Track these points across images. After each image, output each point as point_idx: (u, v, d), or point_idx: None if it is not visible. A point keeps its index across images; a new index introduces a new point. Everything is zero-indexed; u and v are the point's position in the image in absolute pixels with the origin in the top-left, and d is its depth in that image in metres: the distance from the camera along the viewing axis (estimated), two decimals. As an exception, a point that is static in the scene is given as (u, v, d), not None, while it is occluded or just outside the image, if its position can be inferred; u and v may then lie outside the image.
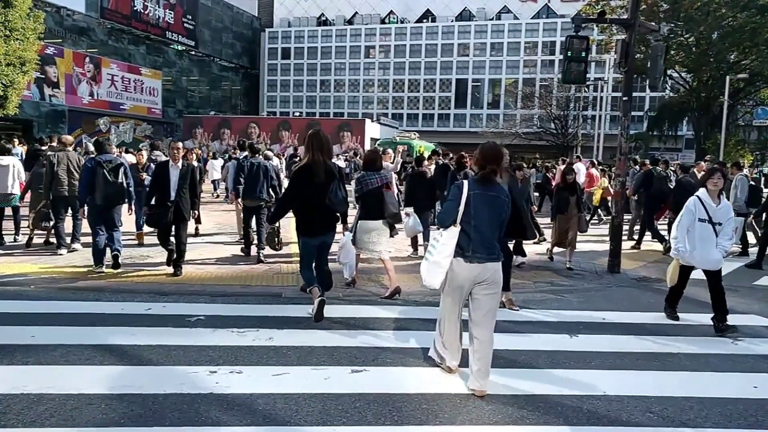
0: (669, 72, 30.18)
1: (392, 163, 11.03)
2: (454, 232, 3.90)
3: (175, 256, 7.43)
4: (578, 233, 8.83)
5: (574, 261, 8.89)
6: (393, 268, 6.70)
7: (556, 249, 9.16)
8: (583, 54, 9.03)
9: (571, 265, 8.75)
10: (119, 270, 7.36)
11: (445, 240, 3.94)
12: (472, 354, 3.91)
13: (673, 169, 14.42)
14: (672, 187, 11.26)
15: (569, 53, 9.00)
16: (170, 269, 7.38)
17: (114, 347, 4.49)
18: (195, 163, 10.66)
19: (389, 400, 3.66)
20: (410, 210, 9.29)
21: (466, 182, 3.98)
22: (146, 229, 8.95)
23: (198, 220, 10.27)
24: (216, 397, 3.61)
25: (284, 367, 4.19)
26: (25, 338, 4.65)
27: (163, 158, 9.36)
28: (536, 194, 16.24)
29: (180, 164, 7.30)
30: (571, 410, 3.60)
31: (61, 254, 8.35)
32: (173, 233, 7.43)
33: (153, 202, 7.39)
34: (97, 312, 5.57)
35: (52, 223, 8.56)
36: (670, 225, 11.83)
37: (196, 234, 10.50)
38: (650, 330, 5.59)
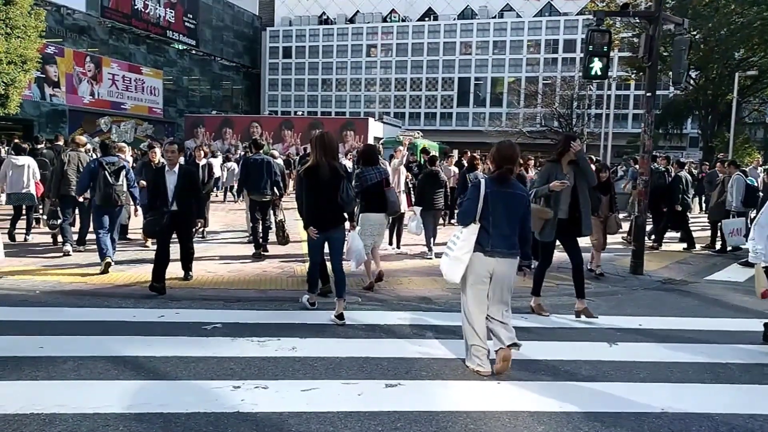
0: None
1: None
2: (474, 228, 4.07)
3: (182, 261, 6.86)
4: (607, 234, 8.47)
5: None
6: (379, 258, 7.11)
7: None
8: (605, 48, 8.73)
9: (593, 267, 8.44)
10: (112, 271, 7.31)
11: (466, 236, 4.09)
12: (499, 329, 4.13)
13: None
14: (668, 183, 11.25)
15: (591, 48, 8.70)
16: (181, 274, 7.06)
17: (128, 359, 4.20)
18: (203, 161, 10.44)
19: (431, 419, 3.36)
20: (417, 210, 9.12)
21: (483, 181, 4.18)
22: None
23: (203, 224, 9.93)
24: (244, 417, 3.31)
25: (313, 381, 3.89)
26: (34, 349, 4.36)
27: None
28: None
29: (177, 168, 6.50)
30: (632, 431, 3.31)
31: (66, 251, 8.26)
32: (174, 241, 6.62)
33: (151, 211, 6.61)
34: (107, 320, 5.29)
35: (60, 221, 8.51)
36: (665, 223, 11.63)
37: (202, 237, 10.20)
38: (691, 338, 5.29)
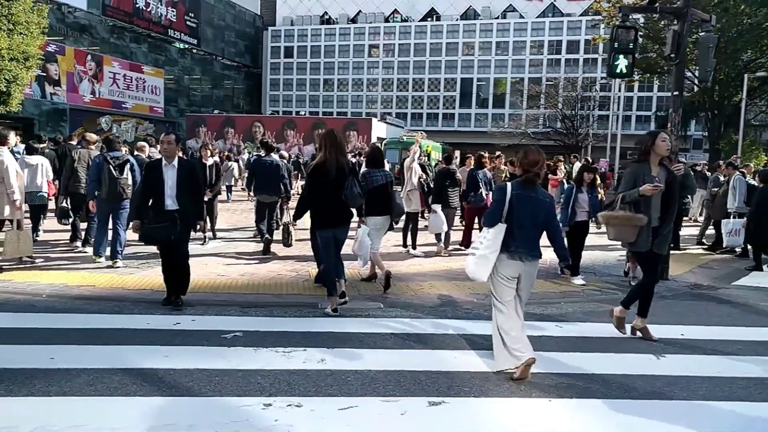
0: (683, 71, 29.61)
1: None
2: (500, 228, 4.13)
3: (174, 276, 5.77)
4: None
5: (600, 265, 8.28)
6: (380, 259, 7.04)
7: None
8: (631, 45, 8.45)
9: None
10: (119, 266, 7.44)
11: (493, 236, 4.15)
12: None
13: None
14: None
15: (616, 44, 8.42)
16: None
17: (147, 372, 3.89)
18: (210, 161, 10.08)
19: (485, 442, 3.06)
20: (438, 207, 9.02)
21: (509, 184, 4.26)
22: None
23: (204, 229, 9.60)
24: (280, 440, 3.01)
25: (349, 398, 3.59)
26: (44, 360, 4.05)
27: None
28: None
29: (176, 162, 5.79)
30: (707, 457, 3.01)
31: (77, 245, 8.48)
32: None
33: (142, 211, 5.83)
34: (120, 327, 4.97)
35: (71, 219, 8.57)
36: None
37: (211, 238, 9.84)
38: (740, 350, 4.97)
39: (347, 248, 6.08)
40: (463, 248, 9.57)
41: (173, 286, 5.75)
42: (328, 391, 3.68)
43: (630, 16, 8.50)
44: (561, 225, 7.29)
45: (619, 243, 5.85)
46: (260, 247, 9.08)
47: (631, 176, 5.00)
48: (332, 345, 4.61)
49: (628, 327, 5.32)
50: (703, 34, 8.81)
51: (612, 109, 36.70)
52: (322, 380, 3.86)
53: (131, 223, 6.06)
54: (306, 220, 6.09)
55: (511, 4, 64.84)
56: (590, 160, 20.62)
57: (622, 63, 8.46)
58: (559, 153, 34.02)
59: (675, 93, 8.43)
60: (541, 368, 4.17)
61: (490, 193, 9.84)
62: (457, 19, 66.44)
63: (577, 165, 16.35)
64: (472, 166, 10.33)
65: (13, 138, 7.48)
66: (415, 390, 3.74)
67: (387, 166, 8.08)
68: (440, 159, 26.63)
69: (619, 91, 35.12)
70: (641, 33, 31.05)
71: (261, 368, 4.03)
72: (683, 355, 4.77)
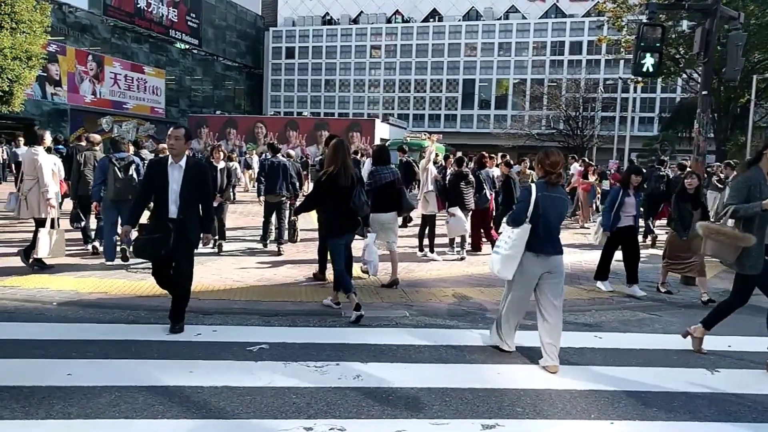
0: (689, 72, 29.47)
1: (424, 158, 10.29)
2: (525, 229, 4.27)
3: (173, 298, 4.96)
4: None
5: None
6: (397, 259, 7.07)
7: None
8: (658, 44, 8.20)
9: (709, 297, 6.73)
10: (129, 263, 7.40)
11: (518, 237, 4.29)
12: (546, 334, 4.29)
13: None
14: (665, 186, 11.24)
15: (642, 43, 8.17)
16: (204, 281, 6.56)
17: (173, 390, 3.61)
18: (222, 164, 9.68)
19: (553, 473, 2.79)
20: (456, 210, 8.84)
21: (534, 185, 4.39)
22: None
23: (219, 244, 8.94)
24: (329, 472, 2.74)
25: (395, 420, 3.31)
26: (61, 377, 3.77)
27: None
28: None
29: (183, 162, 4.89)
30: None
31: (87, 249, 8.30)
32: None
33: (135, 217, 5.05)
34: (138, 339, 4.68)
35: (83, 223, 8.51)
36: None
37: (219, 251, 8.97)
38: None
39: (356, 252, 6.01)
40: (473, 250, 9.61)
41: (170, 311, 4.93)
42: (371, 413, 3.40)
43: (637, 16, 8.24)
44: (602, 229, 7.08)
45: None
46: (269, 249, 9.03)
47: (744, 186, 4.34)
48: (365, 359, 4.34)
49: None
50: (732, 32, 8.55)
51: (618, 110, 36.44)
52: (362, 399, 3.58)
53: (122, 229, 5.50)
54: (305, 222, 5.97)
55: (513, 5, 64.58)
56: (586, 161, 20.37)
57: (648, 61, 8.21)
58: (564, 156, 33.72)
59: (704, 93, 8.19)
60: (594, 385, 3.91)
61: (493, 192, 9.82)
62: (459, 20, 66.16)
63: (575, 166, 16.17)
64: (494, 167, 10.12)
65: (48, 138, 7.41)
66: (464, 411, 3.47)
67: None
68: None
69: (627, 92, 34.89)
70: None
71: (294, 385, 3.76)
72: (737, 369, 4.50)
